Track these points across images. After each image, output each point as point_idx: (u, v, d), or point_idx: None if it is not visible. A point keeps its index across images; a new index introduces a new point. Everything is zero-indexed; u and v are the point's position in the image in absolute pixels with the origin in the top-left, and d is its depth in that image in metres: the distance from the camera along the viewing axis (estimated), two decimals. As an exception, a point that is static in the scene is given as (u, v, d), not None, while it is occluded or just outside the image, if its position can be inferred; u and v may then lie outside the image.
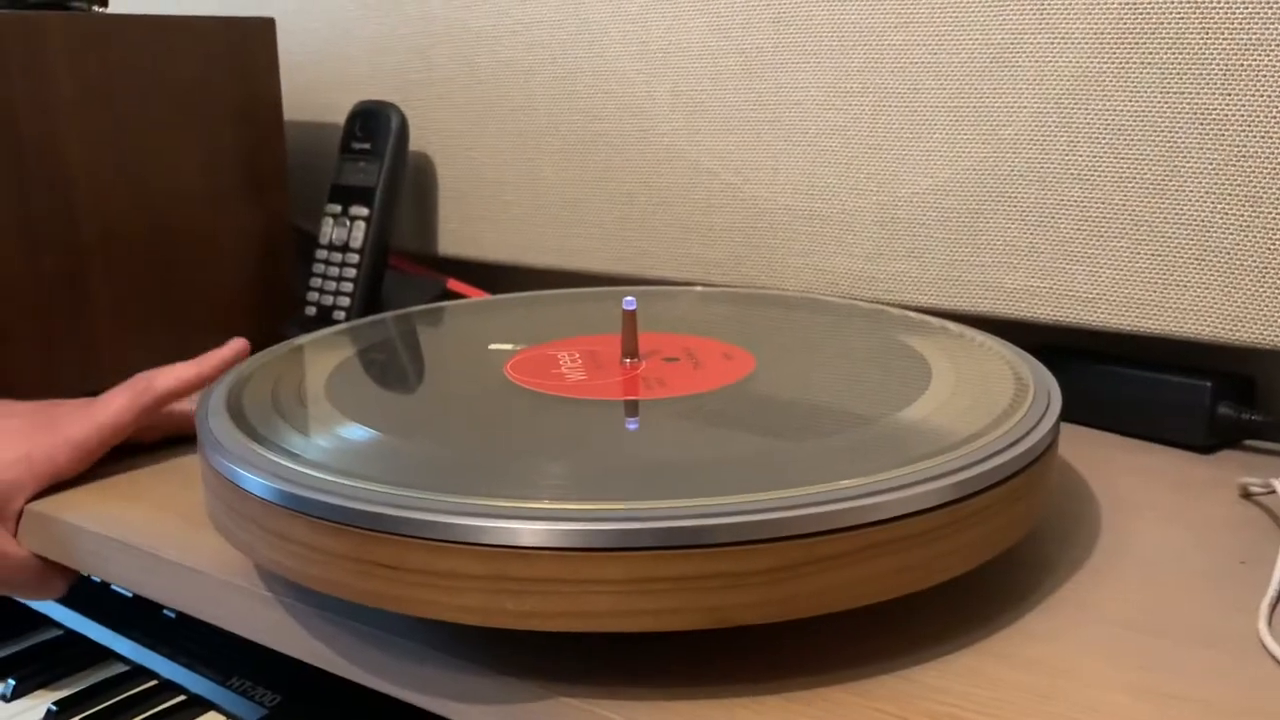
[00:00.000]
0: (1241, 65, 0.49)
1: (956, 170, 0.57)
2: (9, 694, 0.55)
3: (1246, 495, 0.49)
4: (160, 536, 0.47)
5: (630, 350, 0.48)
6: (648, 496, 0.33)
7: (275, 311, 0.75)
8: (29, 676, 0.56)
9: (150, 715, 0.53)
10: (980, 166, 0.57)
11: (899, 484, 0.34)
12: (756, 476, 0.34)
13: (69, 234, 0.63)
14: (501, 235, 0.76)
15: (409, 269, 0.82)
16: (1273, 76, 0.49)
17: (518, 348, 0.51)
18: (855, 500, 0.33)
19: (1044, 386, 0.43)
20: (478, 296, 0.77)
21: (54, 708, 0.54)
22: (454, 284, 0.80)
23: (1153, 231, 0.53)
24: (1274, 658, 0.36)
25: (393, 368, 0.50)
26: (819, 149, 0.61)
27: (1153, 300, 0.53)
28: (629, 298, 0.47)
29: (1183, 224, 0.52)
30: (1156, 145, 0.52)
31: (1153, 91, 0.52)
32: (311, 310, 0.73)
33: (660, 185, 0.68)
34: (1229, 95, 0.50)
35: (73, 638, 0.61)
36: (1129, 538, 0.45)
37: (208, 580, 0.44)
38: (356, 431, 0.40)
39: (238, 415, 0.41)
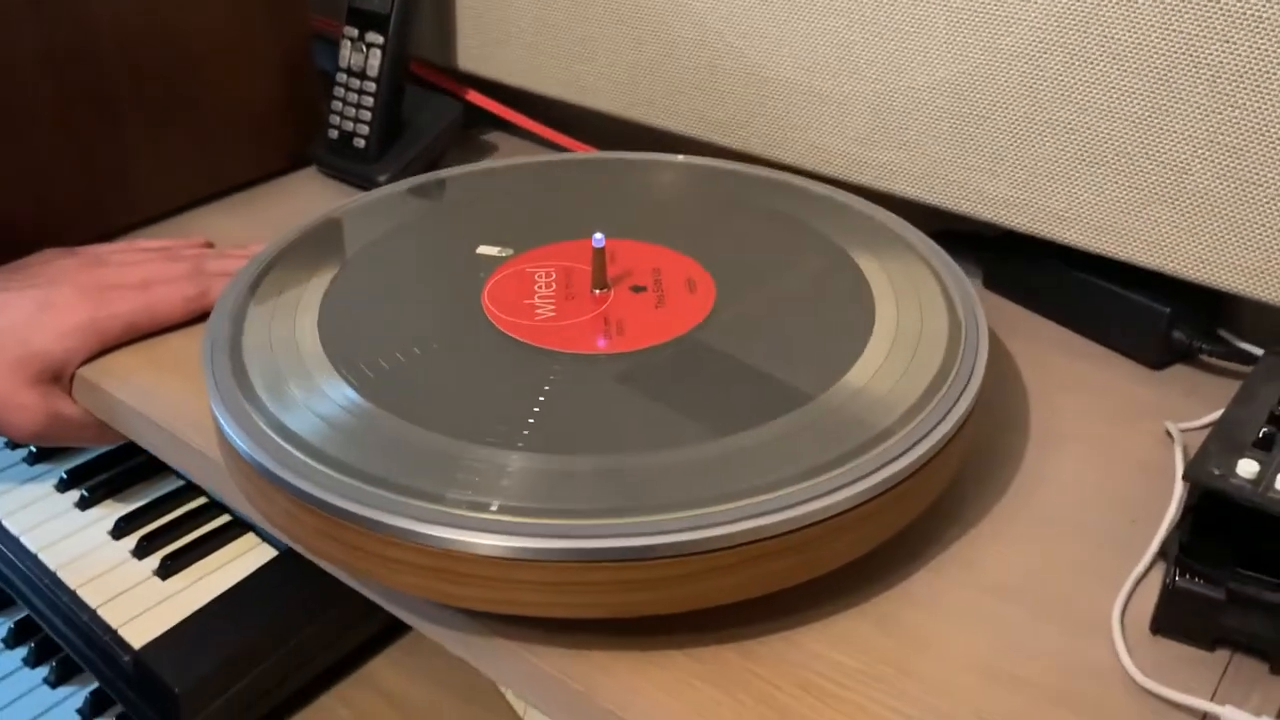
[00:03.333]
0: (1244, 14, 0.48)
1: (952, 72, 0.57)
2: (82, 504, 0.65)
3: (1169, 434, 0.52)
4: (185, 416, 0.53)
5: (599, 282, 0.51)
6: (566, 512, 0.38)
7: (304, 128, 0.78)
8: (97, 487, 0.66)
9: (202, 535, 0.63)
10: (975, 72, 0.56)
11: (794, 500, 0.38)
12: (667, 487, 0.39)
13: (95, 66, 0.65)
14: (515, 59, 0.76)
15: (430, 78, 0.83)
16: (1274, 30, 0.47)
17: (505, 254, 0.55)
18: (750, 520, 0.38)
19: (970, 358, 0.46)
20: (512, 121, 0.78)
21: (122, 522, 0.64)
22: (473, 96, 0.81)
23: (1133, 164, 0.53)
24: (1114, 646, 0.41)
25: (388, 277, 0.54)
26: (821, 27, 0.60)
27: (1124, 229, 0.54)
28: (599, 235, 0.50)
29: (1163, 162, 0.52)
30: (1148, 81, 0.51)
31: (1152, 26, 0.50)
32: (334, 134, 0.76)
33: (668, 37, 0.67)
34: (1227, 43, 0.48)
35: (133, 449, 0.70)
36: (1041, 481, 0.50)
37: (222, 470, 0.51)
38: (335, 392, 0.45)
39: (236, 357, 0.47)
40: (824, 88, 0.62)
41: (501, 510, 0.38)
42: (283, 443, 0.42)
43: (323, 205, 0.73)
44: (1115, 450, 0.52)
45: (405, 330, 0.49)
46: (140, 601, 0.58)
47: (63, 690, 0.66)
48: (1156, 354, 0.57)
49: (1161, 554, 0.45)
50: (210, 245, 0.68)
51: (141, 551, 0.61)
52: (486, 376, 0.46)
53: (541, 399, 0.44)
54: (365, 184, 0.74)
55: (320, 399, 0.44)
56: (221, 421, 0.43)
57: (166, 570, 0.60)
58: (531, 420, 0.43)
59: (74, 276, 0.59)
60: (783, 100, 0.64)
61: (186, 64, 0.70)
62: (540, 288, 0.52)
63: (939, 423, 0.43)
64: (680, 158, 0.65)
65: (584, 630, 0.41)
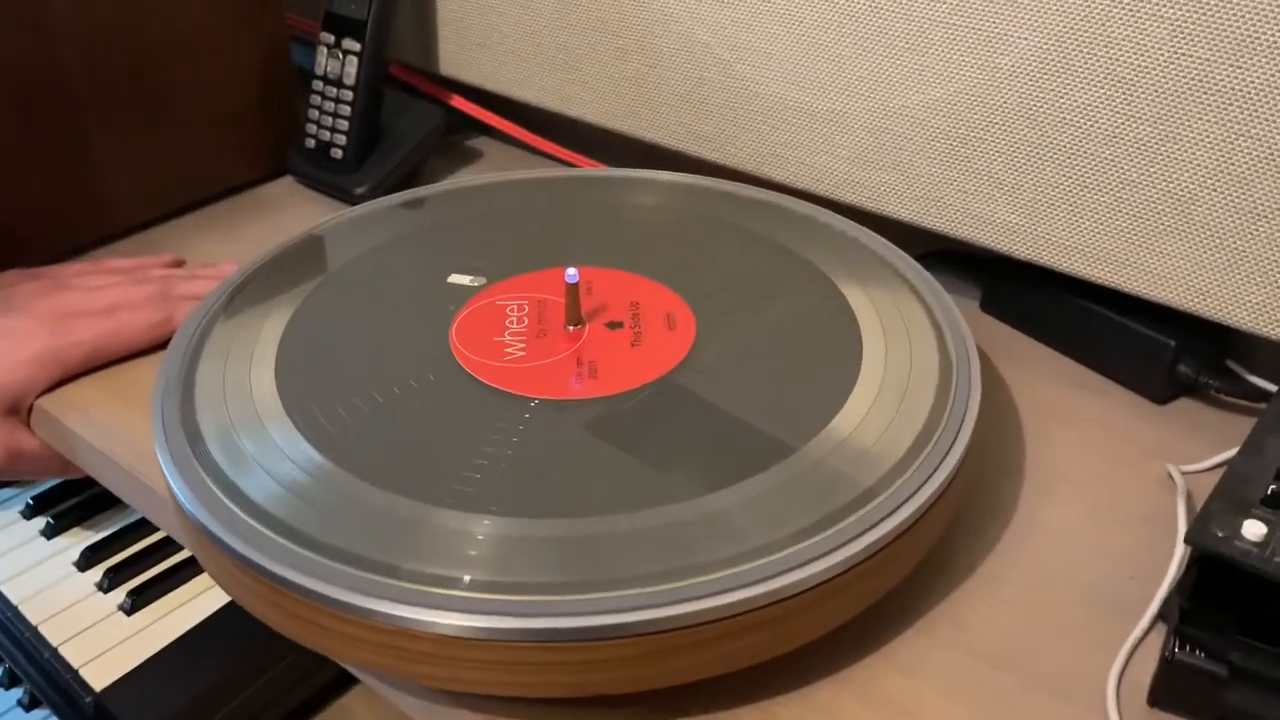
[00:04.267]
0: (1258, 39, 0.45)
1: (948, 91, 0.54)
2: (48, 532, 0.63)
3: (1172, 477, 0.50)
4: (146, 454, 0.51)
5: (573, 319, 0.49)
6: (525, 587, 0.36)
7: (282, 134, 0.75)
8: (65, 514, 0.64)
9: (171, 566, 0.61)
10: (973, 92, 0.53)
11: (769, 573, 0.36)
12: (633, 557, 0.37)
13: (58, 76, 0.62)
14: (496, 65, 0.73)
15: (412, 81, 0.80)
16: (1288, 57, 0.44)
17: (477, 283, 0.53)
18: (723, 595, 0.35)
19: (961, 405, 0.44)
20: (507, 127, 0.76)
21: (88, 552, 0.62)
22: (457, 100, 0.78)
23: (1137, 193, 0.50)
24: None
25: (354, 309, 0.51)
26: (812, 41, 0.57)
27: (1128, 260, 0.52)
28: (572, 270, 0.48)
29: (1168, 192, 0.49)
30: (1155, 106, 0.48)
31: (1160, 48, 0.47)
32: (311, 143, 0.73)
33: (654, 48, 0.64)
34: (1240, 69, 0.45)
35: (102, 473, 0.68)
36: (1035, 530, 0.47)
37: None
38: (289, 446, 0.42)
39: (188, 404, 0.45)
40: (815, 104, 0.59)
41: (458, 586, 0.36)
42: (230, 504, 0.40)
43: (299, 218, 0.71)
44: (1114, 494, 0.49)
45: (368, 372, 0.47)
46: (104, 639, 0.57)
47: (37, 714, 0.64)
48: (1160, 388, 0.54)
49: (1161, 616, 0.43)
50: (181, 263, 0.66)
51: (107, 584, 0.59)
52: (451, 426, 0.44)
53: (510, 452, 0.42)
54: (343, 195, 0.72)
55: (273, 454, 0.42)
56: (168, 477, 0.41)
57: (132, 605, 0.58)
58: (498, 477, 0.41)
59: (33, 302, 0.57)
60: (772, 116, 0.61)
61: (156, 71, 0.67)
62: (512, 323, 0.49)
63: (926, 480, 0.40)
64: (664, 176, 0.63)
65: (547, 702, 0.39)
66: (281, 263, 0.55)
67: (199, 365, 0.47)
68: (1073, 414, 0.54)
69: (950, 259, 0.64)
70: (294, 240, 0.57)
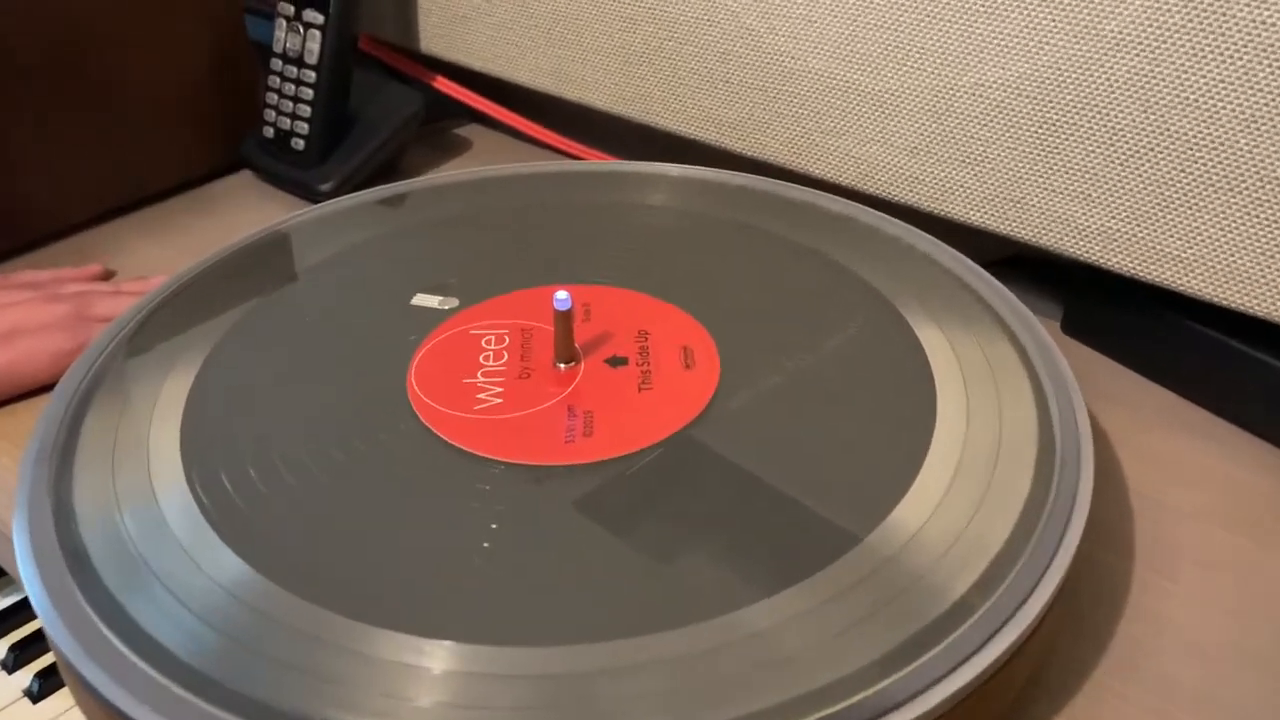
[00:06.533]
0: None
1: (1037, 65, 0.43)
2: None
3: (1324, 554, 0.39)
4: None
5: (564, 355, 0.38)
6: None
7: (238, 123, 0.65)
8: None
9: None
10: (1068, 66, 0.42)
11: (822, 731, 0.26)
12: (638, 708, 0.27)
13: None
14: (483, 40, 0.63)
15: (392, 61, 0.70)
16: None
17: (447, 306, 0.42)
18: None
19: (1070, 483, 0.33)
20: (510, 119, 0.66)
21: (14, 652, 0.52)
22: (441, 82, 0.68)
23: (1278, 193, 0.40)
24: None
25: (293, 341, 0.41)
26: (864, 6, 0.47)
27: (1262, 278, 0.41)
28: (562, 294, 0.37)
29: (1325, 193, 0.39)
30: (1312, 83, 0.37)
31: (1324, 8, 0.36)
32: (269, 132, 0.63)
33: (668, 17, 0.54)
34: None
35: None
36: (1154, 628, 0.37)
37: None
38: (189, 538, 0.32)
39: (65, 474, 0.34)
40: (865, 83, 0.48)
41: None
42: (101, 625, 0.29)
43: (256, 218, 0.61)
44: (1254, 579, 0.39)
45: (299, 429, 0.36)
46: (4, 733, 0.47)
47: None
48: (1295, 435, 0.44)
49: (1338, 757, 0.32)
50: (110, 275, 0.56)
51: (12, 663, 0.50)
52: (400, 506, 0.33)
53: (475, 544, 0.32)
54: (305, 193, 0.62)
55: (166, 550, 0.32)
56: (24, 578, 0.31)
57: (40, 689, 0.48)
58: (456, 583, 0.31)
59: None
60: (812, 98, 0.50)
61: (85, 47, 0.57)
62: (488, 359, 0.39)
63: (1035, 586, 0.30)
64: (677, 170, 0.52)
65: None
66: (205, 281, 0.45)
67: (85, 421, 0.37)
68: (1190, 471, 0.43)
69: (1021, 267, 0.54)
70: (225, 252, 0.47)
